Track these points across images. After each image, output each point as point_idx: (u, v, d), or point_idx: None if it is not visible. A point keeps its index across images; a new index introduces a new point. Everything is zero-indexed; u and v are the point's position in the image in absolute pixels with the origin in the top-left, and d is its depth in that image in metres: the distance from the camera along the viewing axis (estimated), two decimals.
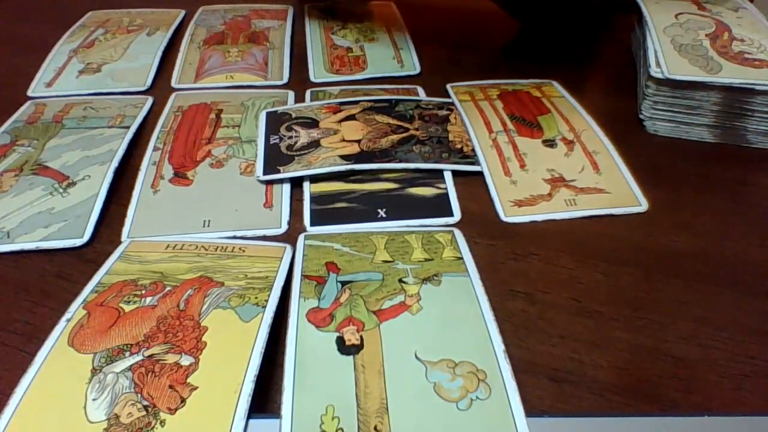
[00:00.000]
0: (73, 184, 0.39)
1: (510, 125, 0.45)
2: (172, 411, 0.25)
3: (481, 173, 0.41)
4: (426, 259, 0.34)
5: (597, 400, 0.28)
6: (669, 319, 0.32)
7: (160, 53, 0.55)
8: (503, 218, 0.38)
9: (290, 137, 0.43)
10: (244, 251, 0.34)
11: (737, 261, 0.35)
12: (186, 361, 0.27)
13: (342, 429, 0.25)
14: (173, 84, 0.51)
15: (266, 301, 0.30)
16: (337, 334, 0.29)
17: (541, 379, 0.29)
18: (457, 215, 0.38)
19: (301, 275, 0.32)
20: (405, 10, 0.62)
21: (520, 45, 0.55)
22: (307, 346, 0.28)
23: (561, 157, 0.42)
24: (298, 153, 0.42)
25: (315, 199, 0.39)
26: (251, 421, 0.25)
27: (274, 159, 0.41)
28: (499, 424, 0.25)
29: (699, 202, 0.39)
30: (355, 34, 0.58)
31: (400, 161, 0.41)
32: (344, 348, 0.28)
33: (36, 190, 0.39)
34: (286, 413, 0.26)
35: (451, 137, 0.44)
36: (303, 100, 0.49)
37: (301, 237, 0.36)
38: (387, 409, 0.26)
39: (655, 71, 0.44)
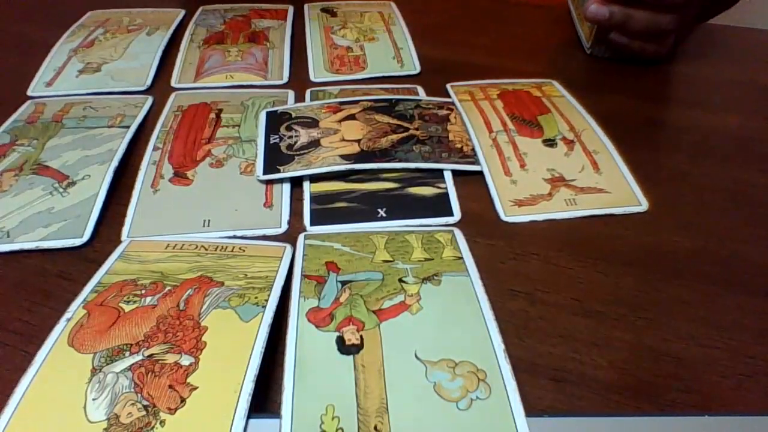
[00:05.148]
0: (73, 183, 0.39)
1: (510, 125, 0.45)
2: (172, 411, 0.25)
3: (481, 173, 0.41)
4: (426, 259, 0.34)
5: (597, 400, 0.28)
6: (669, 319, 0.32)
7: (160, 53, 0.55)
8: (503, 218, 0.38)
9: (290, 137, 0.43)
10: (244, 251, 0.34)
11: (737, 261, 0.35)
12: (186, 361, 0.27)
13: (342, 429, 0.25)
14: (173, 84, 0.51)
15: (266, 300, 0.30)
16: (337, 333, 0.29)
17: (541, 379, 0.29)
18: (457, 215, 0.38)
19: (301, 275, 0.32)
20: (405, 10, 0.62)
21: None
22: (307, 346, 0.28)
23: (561, 156, 0.42)
24: (298, 153, 0.42)
25: (315, 198, 0.39)
26: (251, 421, 0.25)
27: (274, 159, 0.41)
28: (499, 424, 0.25)
29: (699, 202, 0.39)
30: (355, 34, 0.58)
31: (400, 161, 0.41)
32: (344, 348, 0.28)
33: (36, 189, 0.39)
34: (286, 413, 0.26)
35: (451, 137, 0.44)
36: (303, 100, 0.49)
37: (301, 237, 0.36)
38: (387, 409, 0.26)
39: None
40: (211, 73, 0.52)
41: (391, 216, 0.38)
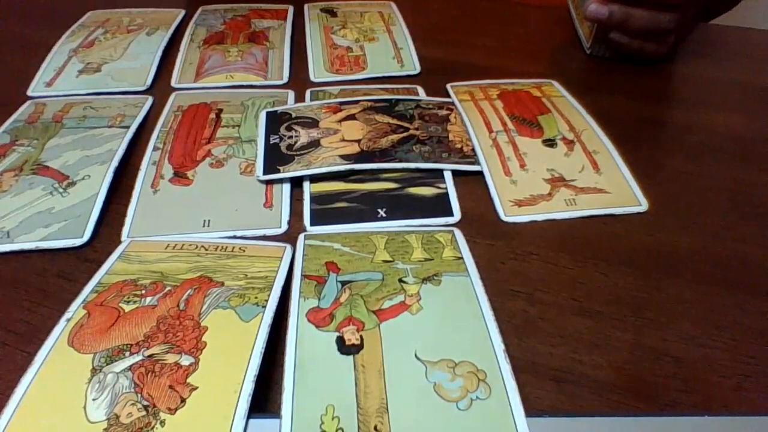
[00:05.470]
0: (73, 183, 0.39)
1: (510, 125, 0.45)
2: (172, 411, 0.25)
3: (481, 173, 0.41)
4: (426, 259, 0.34)
5: (597, 400, 0.28)
6: (669, 319, 0.32)
7: (160, 53, 0.55)
8: (503, 218, 0.38)
9: (290, 137, 0.43)
10: (244, 251, 0.34)
11: (737, 261, 0.35)
12: (186, 361, 0.27)
13: (342, 429, 0.25)
14: (173, 84, 0.51)
15: (266, 301, 0.30)
16: (337, 333, 0.29)
17: (541, 379, 0.29)
18: (457, 215, 0.38)
19: (301, 275, 0.32)
20: (405, 10, 0.62)
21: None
22: (307, 346, 0.28)
23: (561, 156, 0.42)
24: (298, 153, 0.42)
25: (315, 198, 0.39)
26: (251, 421, 0.25)
27: (274, 159, 0.41)
28: (499, 424, 0.25)
29: (699, 202, 0.39)
30: (355, 34, 0.58)
31: (400, 161, 0.41)
32: (344, 348, 0.28)
33: (36, 189, 0.39)
34: (286, 413, 0.26)
35: (451, 137, 0.44)
36: (303, 100, 0.49)
37: (301, 237, 0.36)
38: (387, 409, 0.26)
39: None
40: (211, 73, 0.52)
41: (391, 216, 0.38)
